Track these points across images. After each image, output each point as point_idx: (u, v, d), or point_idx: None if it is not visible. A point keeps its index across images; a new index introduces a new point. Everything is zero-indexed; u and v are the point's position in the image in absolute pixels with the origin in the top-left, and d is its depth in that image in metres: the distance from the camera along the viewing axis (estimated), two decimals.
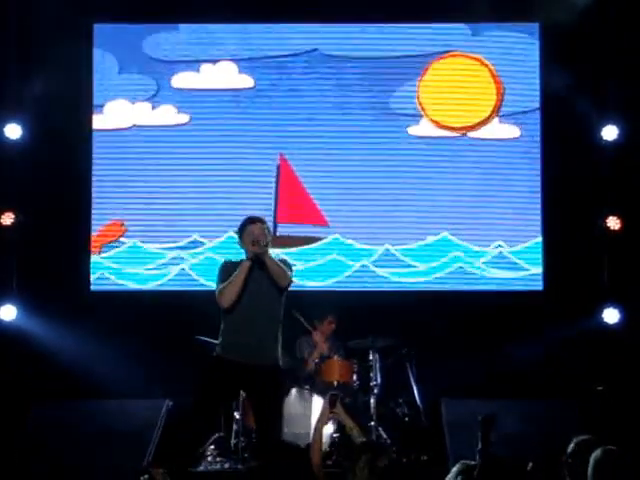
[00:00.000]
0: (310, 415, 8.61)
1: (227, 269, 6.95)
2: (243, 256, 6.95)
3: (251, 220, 6.98)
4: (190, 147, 10.45)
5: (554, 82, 10.22)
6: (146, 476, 4.34)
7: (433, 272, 10.33)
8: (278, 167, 10.37)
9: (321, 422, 5.50)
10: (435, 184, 10.41)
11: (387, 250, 10.33)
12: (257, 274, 6.84)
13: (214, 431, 8.74)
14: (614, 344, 9.93)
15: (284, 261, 7.02)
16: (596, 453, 4.91)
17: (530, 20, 10.41)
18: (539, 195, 10.37)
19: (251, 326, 6.83)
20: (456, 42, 10.50)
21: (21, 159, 10.23)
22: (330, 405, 5.55)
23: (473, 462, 4.76)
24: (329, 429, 8.38)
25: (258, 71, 10.51)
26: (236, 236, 7.05)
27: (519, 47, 10.50)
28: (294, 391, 8.82)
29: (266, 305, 6.87)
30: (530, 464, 5.21)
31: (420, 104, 10.47)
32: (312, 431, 5.47)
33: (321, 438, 5.37)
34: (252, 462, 6.81)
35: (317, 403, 8.66)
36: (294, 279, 7.11)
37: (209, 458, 8.70)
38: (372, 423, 8.96)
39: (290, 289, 7.02)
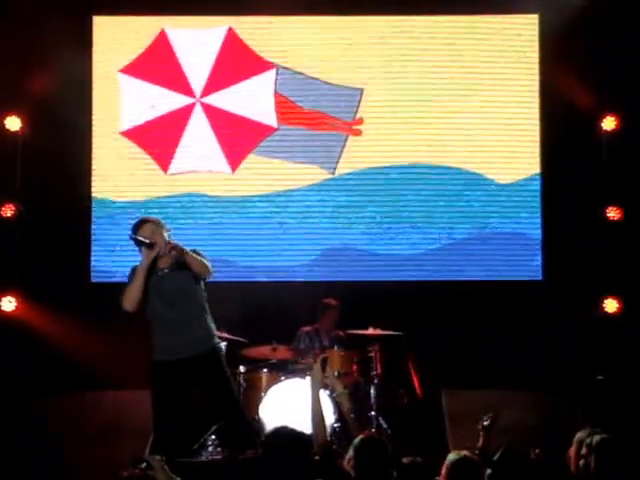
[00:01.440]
0: (307, 405, 8.63)
1: (134, 275, 6.99)
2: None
3: (143, 221, 7.05)
4: None
5: (553, 74, 10.25)
6: (144, 464, 4.34)
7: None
8: None
9: (315, 388, 5.48)
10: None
11: None
12: (168, 273, 6.96)
13: (215, 421, 8.76)
14: (614, 334, 9.94)
15: (196, 251, 7.05)
16: (597, 438, 4.93)
17: (529, 12, 10.43)
18: (538, 185, 10.39)
19: (178, 325, 6.92)
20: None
21: (22, 151, 10.26)
22: (322, 369, 5.56)
23: (466, 453, 4.78)
24: (329, 419, 8.37)
25: None
26: (131, 240, 7.03)
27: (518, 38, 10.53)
28: (294, 381, 8.83)
29: (187, 300, 6.96)
30: (536, 450, 5.23)
31: None
32: (310, 410, 5.41)
33: (323, 420, 5.33)
34: (247, 452, 6.79)
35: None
36: None
37: (210, 448, 8.71)
38: (372, 413, 8.98)
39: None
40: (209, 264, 6.99)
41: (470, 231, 10.47)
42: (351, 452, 4.86)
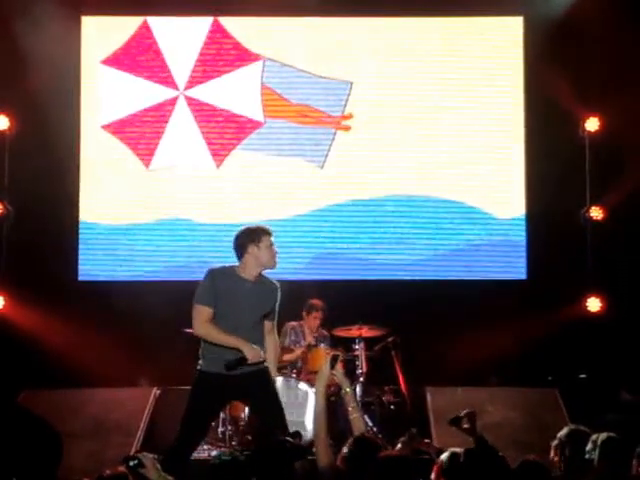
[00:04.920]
0: (297, 404, 8.68)
1: (214, 278, 6.59)
2: (233, 260, 6.67)
3: (267, 231, 6.66)
4: None
5: (538, 75, 10.32)
6: (135, 461, 4.36)
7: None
8: None
9: (320, 385, 5.48)
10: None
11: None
12: (247, 291, 6.56)
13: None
14: (597, 332, 10.02)
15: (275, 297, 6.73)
16: (602, 436, 5.00)
17: (514, 14, 10.51)
18: (522, 186, 10.46)
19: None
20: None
21: (9, 150, 10.28)
22: (331, 366, 5.55)
23: (459, 449, 4.81)
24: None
25: None
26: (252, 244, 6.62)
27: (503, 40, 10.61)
28: (280, 380, 8.87)
29: (250, 320, 6.60)
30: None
31: None
32: (313, 411, 5.41)
33: (325, 417, 5.35)
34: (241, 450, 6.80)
35: (303, 391, 8.75)
36: None
37: (204, 446, 8.72)
38: None
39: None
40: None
41: (457, 232, 10.52)
42: (345, 451, 4.89)
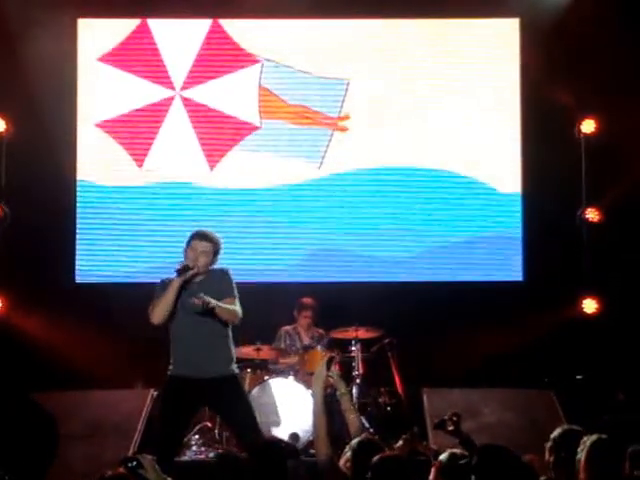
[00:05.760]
0: (293, 404, 8.70)
1: (164, 288, 6.72)
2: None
3: (197, 236, 6.82)
4: None
5: (534, 77, 10.34)
6: (134, 463, 4.38)
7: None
8: None
9: (318, 386, 5.50)
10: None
11: None
12: (196, 290, 6.66)
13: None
14: (593, 334, 10.03)
15: (224, 271, 6.86)
16: (591, 439, 4.98)
17: (510, 16, 10.52)
18: (519, 188, 10.48)
19: (198, 342, 6.74)
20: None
21: (6, 152, 10.28)
22: (327, 367, 5.56)
23: (458, 450, 4.83)
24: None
25: None
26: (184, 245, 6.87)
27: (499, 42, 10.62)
28: (277, 380, 8.89)
29: (208, 321, 6.70)
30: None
31: None
32: (312, 410, 5.42)
33: (324, 418, 5.35)
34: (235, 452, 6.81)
35: (300, 393, 8.76)
36: None
37: (194, 447, 8.75)
38: None
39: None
40: (239, 309, 6.77)
41: (452, 233, 10.54)
42: (349, 454, 4.91)
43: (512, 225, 10.50)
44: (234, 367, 6.91)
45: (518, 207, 10.49)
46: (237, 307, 6.76)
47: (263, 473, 4.47)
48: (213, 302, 6.53)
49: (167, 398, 6.88)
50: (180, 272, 6.61)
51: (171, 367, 6.83)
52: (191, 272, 6.62)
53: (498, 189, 10.53)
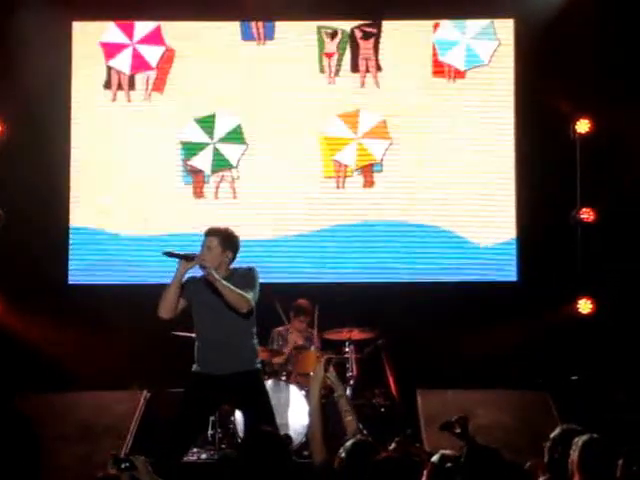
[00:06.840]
0: (286, 405, 8.68)
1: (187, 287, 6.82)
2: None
3: (205, 232, 6.87)
4: None
5: (528, 77, 10.34)
6: (127, 464, 4.37)
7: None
8: None
9: (315, 387, 5.50)
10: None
11: None
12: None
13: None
14: (588, 334, 10.02)
15: (250, 270, 6.84)
16: (583, 439, 4.95)
17: (504, 16, 10.51)
18: (512, 187, 10.46)
19: (220, 340, 6.75)
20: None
21: (0, 153, 10.24)
22: (324, 369, 5.57)
23: (450, 452, 4.80)
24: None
25: None
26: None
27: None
28: (270, 382, 8.87)
29: (230, 319, 6.71)
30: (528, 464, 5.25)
31: None
32: (308, 408, 5.43)
33: (321, 420, 5.35)
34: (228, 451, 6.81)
35: (293, 394, 8.75)
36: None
37: (193, 449, 8.71)
38: None
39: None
40: (250, 296, 6.63)
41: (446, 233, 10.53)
42: (342, 454, 4.88)
43: (506, 225, 10.47)
44: (257, 362, 6.93)
45: (512, 207, 10.47)
46: (247, 294, 6.63)
47: (262, 468, 4.45)
48: (216, 275, 6.54)
49: (188, 395, 6.91)
50: (169, 255, 6.64)
51: (194, 365, 6.87)
52: (192, 262, 6.58)
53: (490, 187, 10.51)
